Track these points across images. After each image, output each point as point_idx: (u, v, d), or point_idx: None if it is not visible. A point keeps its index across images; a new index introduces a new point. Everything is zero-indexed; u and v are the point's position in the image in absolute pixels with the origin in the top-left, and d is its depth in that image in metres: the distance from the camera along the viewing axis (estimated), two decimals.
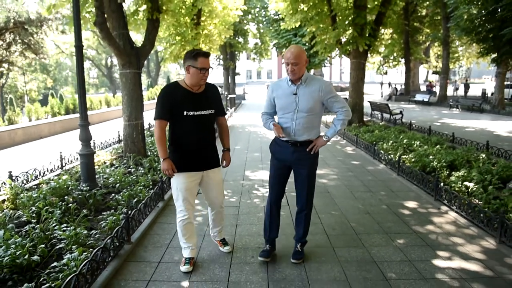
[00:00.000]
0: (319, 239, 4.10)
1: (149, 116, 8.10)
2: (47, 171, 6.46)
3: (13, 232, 3.68)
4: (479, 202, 4.96)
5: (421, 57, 33.82)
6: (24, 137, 11.47)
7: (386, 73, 39.90)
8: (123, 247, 3.73)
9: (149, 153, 8.08)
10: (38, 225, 3.93)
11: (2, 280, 3.10)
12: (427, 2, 28.63)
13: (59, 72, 63.90)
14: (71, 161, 7.39)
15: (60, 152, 7.08)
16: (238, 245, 3.95)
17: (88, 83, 72.59)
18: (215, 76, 51.59)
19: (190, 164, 3.23)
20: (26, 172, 5.93)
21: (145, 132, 8.92)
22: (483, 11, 19.08)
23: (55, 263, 3.16)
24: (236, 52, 34.99)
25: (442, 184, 5.48)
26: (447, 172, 6.44)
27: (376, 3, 13.92)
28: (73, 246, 3.47)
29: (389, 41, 31.91)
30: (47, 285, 2.50)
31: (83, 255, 3.23)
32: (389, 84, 44.37)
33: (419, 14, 31.50)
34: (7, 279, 3.10)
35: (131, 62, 7.66)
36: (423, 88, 39.98)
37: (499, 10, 17.93)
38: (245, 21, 32.63)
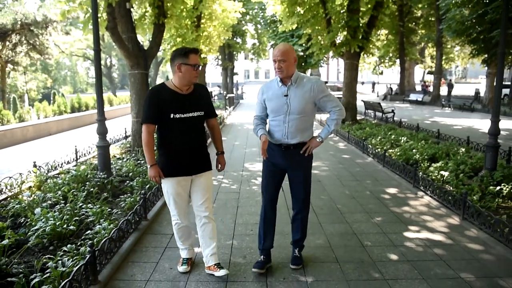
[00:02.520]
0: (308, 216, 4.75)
1: None
2: (65, 162, 7.10)
3: (47, 210, 4.32)
4: (451, 188, 5.63)
5: (416, 58, 34.55)
6: (34, 133, 12.12)
7: (382, 73, 40.69)
8: (141, 223, 4.38)
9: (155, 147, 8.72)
10: (67, 205, 4.57)
11: (44, 246, 3.75)
12: (421, 4, 29.32)
13: (58, 72, 64.42)
14: (84, 154, 8.03)
15: (75, 146, 7.73)
16: (239, 221, 4.62)
17: (87, 83, 73.15)
18: (214, 76, 52.27)
19: (178, 169, 3.10)
20: (47, 163, 6.57)
21: None
22: (473, 14, 19.78)
23: (88, 232, 3.82)
24: (234, 52, 35.64)
25: (420, 173, 6.15)
26: (428, 163, 7.10)
27: (369, 6, 14.59)
28: (101, 220, 4.11)
29: (385, 42, 32.69)
30: (90, 242, 3.13)
31: (111, 225, 3.88)
32: (373, 84, 45.97)
33: (414, 15, 32.21)
34: (48, 246, 3.75)
35: (139, 64, 8.30)
36: (418, 88, 40.74)
37: (488, 12, 18.63)
38: (243, 22, 33.27)
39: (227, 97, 23.13)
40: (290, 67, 3.08)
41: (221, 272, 3.20)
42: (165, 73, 72.32)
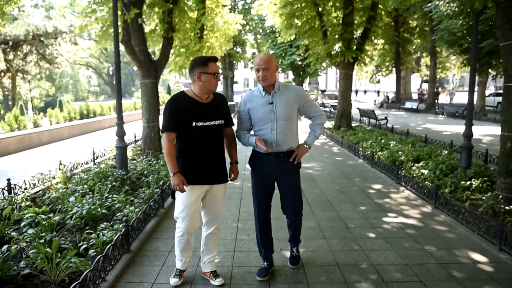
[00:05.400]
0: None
1: None
2: (84, 162, 7.87)
3: (81, 198, 5.08)
4: (429, 183, 6.39)
5: (412, 66, 35.55)
6: (49, 138, 12.94)
7: (378, 81, 41.69)
8: (159, 210, 5.14)
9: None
10: (96, 195, 5.34)
11: (80, 228, 4.49)
12: (416, 15, 30.33)
13: (61, 80, 65.38)
14: (100, 156, 8.81)
15: (93, 148, 8.51)
16: (243, 209, 5.40)
17: (88, 91, 74.12)
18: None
19: (197, 177, 3.07)
20: (70, 162, 7.34)
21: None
22: (464, 25, 20.72)
23: (118, 214, 4.58)
24: (234, 62, 36.60)
25: (403, 171, 6.91)
26: (412, 164, 7.86)
27: (363, 19, 15.47)
28: (126, 206, 4.88)
29: (381, 51, 33.69)
30: (125, 218, 3.89)
31: (137, 209, 4.64)
32: (356, 91, 47.66)
33: (409, 25, 33.24)
34: (83, 227, 4.50)
35: (150, 74, 9.10)
36: (415, 96, 41.64)
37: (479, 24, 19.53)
38: (243, 32, 34.29)
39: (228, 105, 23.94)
40: (273, 75, 3.15)
41: (216, 282, 3.29)
42: (165, 81, 73.42)
